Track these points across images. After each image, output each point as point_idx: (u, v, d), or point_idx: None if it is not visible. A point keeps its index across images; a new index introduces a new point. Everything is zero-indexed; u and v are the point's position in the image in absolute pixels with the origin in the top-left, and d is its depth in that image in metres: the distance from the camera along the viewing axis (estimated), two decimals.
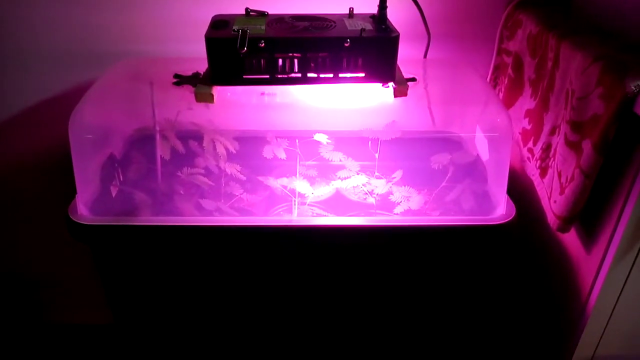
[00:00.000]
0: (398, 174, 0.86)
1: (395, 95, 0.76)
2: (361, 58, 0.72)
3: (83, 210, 0.75)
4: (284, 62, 0.72)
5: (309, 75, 0.74)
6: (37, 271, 1.23)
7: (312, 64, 0.73)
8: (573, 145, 0.67)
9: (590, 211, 0.68)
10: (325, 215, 0.84)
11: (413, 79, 0.81)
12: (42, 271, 1.23)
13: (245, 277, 0.82)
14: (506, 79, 0.91)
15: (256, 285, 0.84)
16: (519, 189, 0.87)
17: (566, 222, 0.69)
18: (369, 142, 0.86)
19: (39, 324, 1.30)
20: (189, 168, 0.83)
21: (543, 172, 0.77)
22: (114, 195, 0.82)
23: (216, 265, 0.80)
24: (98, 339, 1.25)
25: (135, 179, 0.85)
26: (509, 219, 0.75)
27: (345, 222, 0.76)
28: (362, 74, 0.74)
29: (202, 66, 0.81)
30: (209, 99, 0.74)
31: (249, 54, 0.70)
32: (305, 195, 0.85)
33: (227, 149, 0.85)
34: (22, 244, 1.19)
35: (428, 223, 0.75)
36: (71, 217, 0.74)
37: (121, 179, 0.85)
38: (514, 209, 0.76)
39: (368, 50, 0.72)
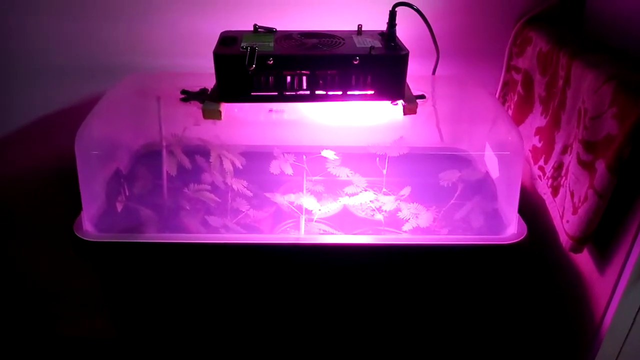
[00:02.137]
0: (406, 191, 0.85)
1: (405, 113, 0.75)
2: (370, 76, 0.72)
3: (88, 226, 0.74)
4: (292, 79, 0.72)
5: (318, 92, 0.73)
6: (44, 283, 1.23)
7: (321, 81, 0.72)
8: (586, 165, 0.66)
9: (604, 231, 0.66)
10: (332, 233, 0.83)
11: (422, 96, 0.81)
12: (49, 283, 1.22)
13: (252, 295, 0.81)
14: (515, 96, 0.91)
15: (262, 304, 0.82)
16: (529, 207, 0.85)
17: (579, 243, 0.68)
18: (377, 159, 0.86)
19: (47, 336, 1.28)
20: (196, 184, 0.82)
21: (555, 191, 0.76)
22: (119, 211, 0.81)
23: (222, 282, 0.79)
24: (104, 353, 1.24)
25: (142, 195, 0.85)
26: (520, 239, 0.73)
27: (354, 240, 0.75)
28: (371, 92, 0.73)
29: (209, 82, 0.81)
30: (217, 115, 0.73)
31: (258, 71, 0.70)
32: (312, 212, 0.84)
33: (233, 165, 0.85)
34: (30, 256, 1.18)
35: (438, 242, 0.74)
36: (76, 233, 0.73)
37: (127, 195, 0.85)
38: (525, 228, 0.75)
39: (377, 68, 0.72)
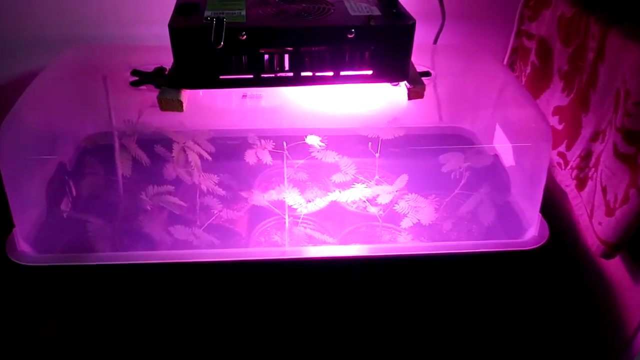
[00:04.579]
0: (403, 179, 0.74)
1: (410, 98, 0.63)
2: (368, 52, 0.60)
3: (24, 246, 0.60)
4: (271, 58, 0.60)
5: (303, 74, 0.61)
6: None
7: (307, 60, 0.60)
8: (626, 159, 0.57)
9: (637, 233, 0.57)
10: (322, 241, 0.71)
11: (427, 74, 0.68)
12: None
13: (229, 316, 0.71)
14: (528, 67, 0.79)
15: (242, 326, 0.72)
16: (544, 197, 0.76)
17: (613, 249, 0.60)
18: (369, 143, 0.74)
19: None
20: (155, 186, 0.68)
21: (581, 183, 0.66)
22: (63, 223, 0.67)
23: (193, 304, 0.68)
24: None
25: (90, 201, 0.71)
26: (542, 242, 0.64)
27: (346, 252, 0.65)
28: (370, 72, 0.61)
29: (166, 56, 0.66)
30: (177, 106, 0.60)
31: (227, 48, 0.57)
32: (297, 210, 0.73)
33: (201, 157, 0.71)
34: None
35: (446, 251, 0.64)
36: (9, 256, 0.59)
37: (72, 203, 0.71)
38: (548, 229, 0.65)
39: (377, 42, 0.60)
